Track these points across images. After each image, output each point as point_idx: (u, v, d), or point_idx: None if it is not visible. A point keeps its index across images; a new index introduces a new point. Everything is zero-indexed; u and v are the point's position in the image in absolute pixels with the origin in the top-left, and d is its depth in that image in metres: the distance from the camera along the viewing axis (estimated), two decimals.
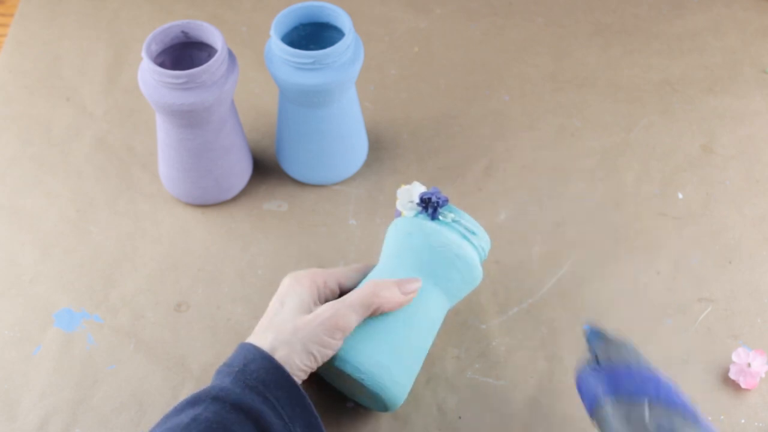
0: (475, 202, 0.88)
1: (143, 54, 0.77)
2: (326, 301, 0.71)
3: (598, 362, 0.65)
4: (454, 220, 0.73)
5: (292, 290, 0.69)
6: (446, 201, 0.73)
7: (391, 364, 0.68)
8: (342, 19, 0.80)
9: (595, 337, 0.67)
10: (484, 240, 0.74)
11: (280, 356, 0.65)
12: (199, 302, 0.81)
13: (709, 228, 0.86)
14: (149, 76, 0.77)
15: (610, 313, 0.80)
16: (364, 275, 0.74)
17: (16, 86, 0.97)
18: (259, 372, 0.63)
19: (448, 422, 0.74)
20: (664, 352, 0.77)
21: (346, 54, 0.79)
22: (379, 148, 0.92)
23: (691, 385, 0.75)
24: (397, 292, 0.69)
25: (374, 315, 0.69)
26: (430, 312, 0.71)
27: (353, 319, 0.67)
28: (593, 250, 0.84)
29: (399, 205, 0.74)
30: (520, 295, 0.81)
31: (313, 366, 0.66)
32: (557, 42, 1.02)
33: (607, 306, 0.80)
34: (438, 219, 0.72)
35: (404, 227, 0.73)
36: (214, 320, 0.80)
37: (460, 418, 0.74)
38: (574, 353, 0.77)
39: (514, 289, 0.81)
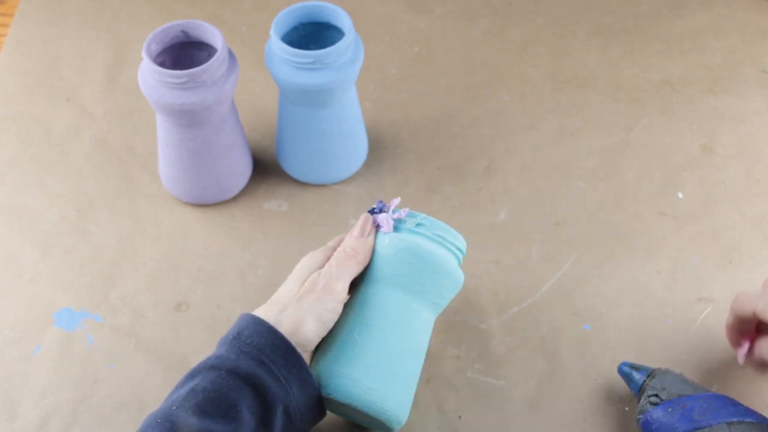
0: (475, 202, 0.88)
1: (143, 54, 0.77)
2: None
3: (659, 399, 0.67)
4: (418, 224, 0.71)
5: (306, 266, 0.71)
6: (410, 209, 0.72)
7: (383, 387, 0.67)
8: (342, 18, 0.80)
9: (637, 372, 0.71)
10: (456, 240, 0.72)
11: (287, 327, 0.66)
12: (199, 302, 0.81)
13: (709, 228, 0.86)
14: (149, 75, 0.77)
15: (610, 313, 0.80)
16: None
17: (16, 86, 0.97)
18: (253, 337, 0.64)
19: (448, 422, 0.74)
20: (664, 352, 0.77)
21: (346, 54, 0.79)
22: (379, 148, 0.92)
23: None
24: (357, 239, 0.70)
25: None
26: (414, 325, 0.70)
27: (341, 286, 0.69)
28: (593, 249, 0.84)
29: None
30: (520, 294, 0.81)
31: (323, 333, 0.67)
32: (557, 42, 1.02)
33: (607, 306, 0.80)
34: (401, 228, 0.71)
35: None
36: (214, 320, 0.80)
37: (460, 418, 0.74)
38: (574, 353, 0.77)
39: (514, 289, 0.81)
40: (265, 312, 0.67)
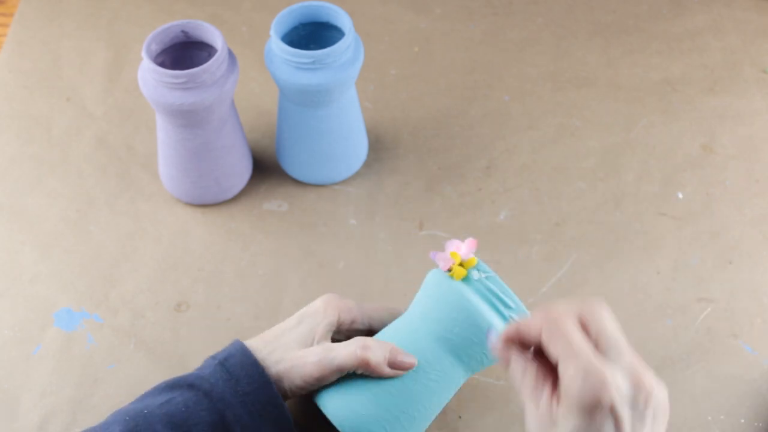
0: (475, 202, 0.88)
1: (143, 54, 0.77)
2: (347, 336, 0.71)
3: None
4: (487, 288, 0.67)
5: (315, 316, 0.70)
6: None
7: (367, 413, 0.65)
8: (342, 19, 0.80)
9: None
10: (521, 313, 0.67)
11: (276, 372, 0.66)
12: (199, 302, 0.81)
13: (709, 228, 0.86)
14: (149, 75, 0.77)
15: None
16: (395, 317, 0.71)
17: (16, 86, 0.97)
18: (236, 367, 0.66)
19: (448, 422, 0.74)
20: (664, 352, 0.77)
21: (346, 54, 0.79)
22: (379, 148, 0.92)
23: (691, 385, 0.75)
24: (384, 366, 0.66)
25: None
26: (437, 378, 0.67)
27: (333, 376, 0.66)
28: (593, 249, 0.84)
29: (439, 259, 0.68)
30: (520, 294, 0.81)
31: (301, 392, 0.67)
32: (557, 42, 1.02)
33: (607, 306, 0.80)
34: (469, 280, 0.67)
35: (433, 282, 0.68)
36: (214, 320, 0.80)
37: (460, 417, 0.74)
38: None
39: (514, 289, 0.81)
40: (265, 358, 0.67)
